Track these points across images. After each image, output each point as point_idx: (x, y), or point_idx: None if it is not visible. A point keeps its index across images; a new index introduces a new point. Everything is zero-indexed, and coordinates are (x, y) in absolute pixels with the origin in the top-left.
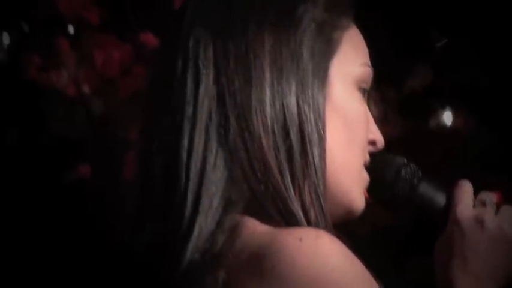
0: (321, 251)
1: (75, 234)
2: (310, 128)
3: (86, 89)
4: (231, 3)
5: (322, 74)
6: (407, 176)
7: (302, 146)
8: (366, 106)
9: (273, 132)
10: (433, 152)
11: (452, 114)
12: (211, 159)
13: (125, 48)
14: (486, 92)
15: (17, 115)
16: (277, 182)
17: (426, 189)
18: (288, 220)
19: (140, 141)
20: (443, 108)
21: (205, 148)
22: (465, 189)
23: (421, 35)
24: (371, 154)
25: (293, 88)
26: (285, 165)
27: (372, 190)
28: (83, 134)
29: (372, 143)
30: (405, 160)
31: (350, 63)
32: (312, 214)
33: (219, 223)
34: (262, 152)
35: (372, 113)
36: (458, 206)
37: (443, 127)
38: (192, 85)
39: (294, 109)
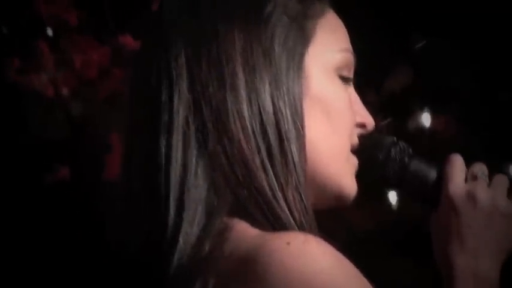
0: (309, 253)
1: (56, 236)
2: (287, 126)
3: (65, 91)
4: (199, 7)
5: (296, 66)
6: (397, 155)
7: (280, 145)
8: (351, 91)
9: (253, 134)
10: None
11: (431, 115)
12: (191, 167)
13: (103, 50)
14: (466, 93)
15: None
16: (261, 185)
17: (417, 166)
18: (273, 223)
19: (122, 150)
20: (422, 109)
21: (185, 156)
22: (456, 164)
23: (400, 36)
24: (360, 136)
25: (267, 86)
26: (267, 167)
27: (363, 172)
28: (63, 136)
29: (362, 125)
30: (394, 139)
31: (327, 51)
32: (296, 214)
33: (204, 229)
34: (243, 155)
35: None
36: (450, 182)
37: (422, 129)
38: (166, 95)
39: (270, 108)
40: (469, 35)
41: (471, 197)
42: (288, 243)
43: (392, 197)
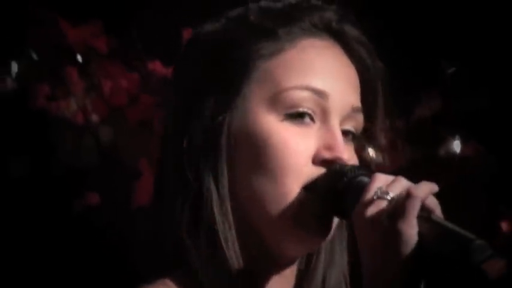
0: None
1: (86, 263)
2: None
3: (94, 117)
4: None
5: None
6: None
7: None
8: (311, 126)
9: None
10: (441, 180)
11: (461, 142)
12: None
13: (132, 77)
14: (495, 120)
15: (25, 144)
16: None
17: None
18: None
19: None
20: (452, 136)
21: None
22: (372, 183)
23: (429, 63)
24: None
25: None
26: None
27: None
28: (92, 162)
29: (328, 161)
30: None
31: (269, 87)
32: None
33: None
34: None
35: (380, 142)
36: (359, 201)
37: (452, 155)
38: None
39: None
40: (500, 62)
41: (362, 217)
42: None
43: None
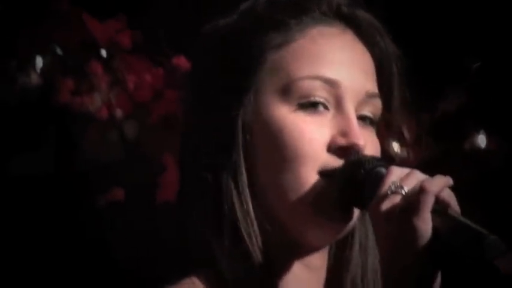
0: None
1: (110, 257)
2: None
3: (118, 112)
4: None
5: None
6: (368, 167)
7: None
8: (324, 115)
9: None
10: (467, 175)
11: (486, 136)
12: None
13: (157, 72)
14: None
15: (49, 139)
16: None
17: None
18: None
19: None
20: (477, 130)
21: None
22: (388, 177)
23: (455, 57)
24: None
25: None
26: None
27: (344, 195)
28: (116, 157)
29: (345, 148)
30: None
31: (280, 78)
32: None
33: None
34: None
35: (404, 136)
36: (375, 195)
37: (477, 150)
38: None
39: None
40: None
41: (378, 211)
42: None
43: None
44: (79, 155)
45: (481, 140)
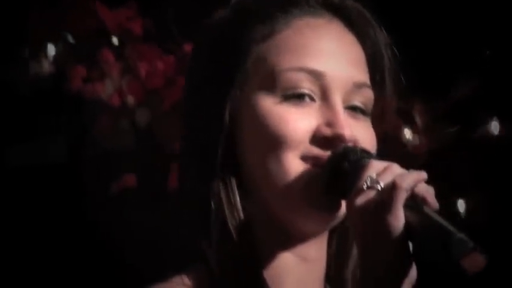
0: None
1: (122, 244)
2: None
3: (130, 99)
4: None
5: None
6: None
7: None
8: (307, 107)
9: None
10: (479, 161)
11: (499, 123)
12: None
13: (168, 59)
14: None
15: (62, 125)
16: None
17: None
18: None
19: None
20: (490, 117)
21: None
22: (366, 171)
23: (468, 46)
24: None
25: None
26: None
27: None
28: (128, 144)
29: (330, 139)
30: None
31: (265, 70)
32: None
33: None
34: None
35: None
36: (353, 188)
37: (490, 136)
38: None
39: None
40: None
41: (353, 205)
42: None
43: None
44: (91, 142)
45: (494, 127)
